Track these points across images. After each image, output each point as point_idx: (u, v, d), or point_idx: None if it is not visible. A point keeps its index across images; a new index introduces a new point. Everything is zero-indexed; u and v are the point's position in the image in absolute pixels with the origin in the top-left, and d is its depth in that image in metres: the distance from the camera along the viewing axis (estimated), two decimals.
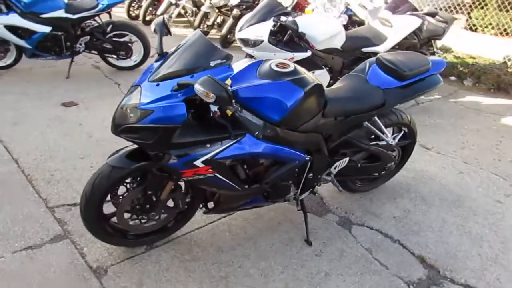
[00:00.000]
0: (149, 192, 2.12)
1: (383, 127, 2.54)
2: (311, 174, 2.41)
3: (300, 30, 3.63)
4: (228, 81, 1.95)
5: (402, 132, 2.73)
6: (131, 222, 2.21)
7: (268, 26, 3.58)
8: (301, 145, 2.23)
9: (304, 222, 2.55)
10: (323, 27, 3.83)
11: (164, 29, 2.07)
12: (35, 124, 3.69)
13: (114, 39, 4.91)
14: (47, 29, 4.51)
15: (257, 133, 1.79)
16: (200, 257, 2.34)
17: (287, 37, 3.65)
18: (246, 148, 1.97)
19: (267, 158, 2.14)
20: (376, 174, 2.84)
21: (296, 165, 2.23)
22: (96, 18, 4.80)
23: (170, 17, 7.24)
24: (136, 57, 5.15)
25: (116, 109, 1.92)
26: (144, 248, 2.36)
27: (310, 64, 3.78)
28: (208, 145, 1.90)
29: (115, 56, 5.00)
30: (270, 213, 2.73)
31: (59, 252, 2.28)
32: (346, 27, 4.57)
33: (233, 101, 1.76)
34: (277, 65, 2.10)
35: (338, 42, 3.88)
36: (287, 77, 2.04)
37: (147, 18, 7.46)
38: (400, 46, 4.34)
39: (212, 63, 1.83)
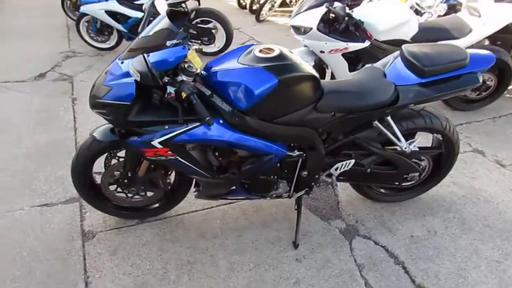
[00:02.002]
0: (127, 167, 2.20)
1: (396, 129, 2.18)
2: (305, 172, 2.22)
3: (358, 18, 3.32)
4: (199, 63, 1.91)
5: (418, 139, 2.30)
6: (117, 194, 2.34)
7: (319, 12, 3.33)
8: (284, 139, 2.06)
9: (296, 223, 2.36)
10: (387, 15, 3.41)
11: (152, 10, 2.11)
12: None
13: (199, 25, 5.17)
14: (139, 14, 4.96)
15: (207, 118, 1.72)
16: (180, 239, 2.35)
17: (343, 26, 3.36)
18: (206, 134, 1.90)
19: (235, 147, 2.03)
20: (397, 183, 2.46)
21: (273, 160, 2.06)
22: (184, 5, 5.09)
23: (273, 6, 7.29)
24: (219, 43, 5.33)
25: (93, 85, 2.03)
26: (135, 222, 2.47)
27: (368, 56, 3.44)
28: (167, 127, 1.89)
29: (199, 42, 5.26)
30: (271, 208, 2.59)
31: (65, 213, 2.53)
32: None
33: (191, 84, 1.76)
34: (260, 50, 1.97)
35: (406, 33, 3.42)
36: (263, 63, 1.89)
37: (254, 7, 7.64)
38: (495, 41, 3.65)
39: (168, 43, 1.80)
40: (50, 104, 3.99)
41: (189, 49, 1.84)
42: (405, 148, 2.20)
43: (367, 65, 2.37)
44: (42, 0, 8.45)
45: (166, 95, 1.80)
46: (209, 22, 5.20)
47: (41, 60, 5.15)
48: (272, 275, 2.13)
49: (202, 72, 1.98)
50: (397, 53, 2.26)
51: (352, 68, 3.54)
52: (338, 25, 3.40)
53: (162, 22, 1.86)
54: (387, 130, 2.19)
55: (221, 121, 1.91)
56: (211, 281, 2.09)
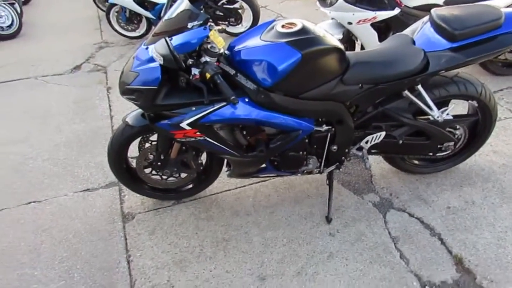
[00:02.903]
0: (159, 150, 2.27)
1: (427, 98, 2.11)
2: (335, 147, 2.21)
3: None
4: (221, 43, 1.91)
5: (451, 106, 2.21)
6: (152, 177, 2.42)
7: None
8: (311, 114, 2.05)
9: (328, 197, 2.36)
10: None
11: None
12: None
13: (225, 6, 5.15)
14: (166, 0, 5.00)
15: (232, 98, 1.74)
16: (214, 217, 2.41)
17: None
18: (232, 114, 1.91)
19: (262, 125, 2.04)
20: (431, 154, 2.39)
21: (301, 135, 2.06)
22: None
23: None
24: (247, 23, 5.30)
25: (121, 71, 2.09)
26: (171, 203, 2.55)
27: (399, 24, 3.31)
28: (194, 108, 1.92)
29: (226, 23, 5.25)
30: (304, 185, 2.60)
31: (106, 197, 2.65)
32: None
33: (214, 64, 1.77)
34: (283, 26, 1.95)
35: None
36: (286, 38, 1.88)
37: None
38: None
39: (190, 25, 1.82)
40: (86, 94, 4.13)
41: (210, 30, 1.85)
42: (438, 117, 2.13)
43: (395, 34, 2.29)
44: None
45: (191, 77, 1.83)
46: (235, 2, 5.17)
47: (76, 52, 5.32)
48: (305, 249, 2.15)
49: (226, 52, 1.99)
50: (426, 18, 2.18)
51: (382, 38, 3.43)
52: None
53: (182, 5, 1.88)
54: (417, 100, 2.13)
55: (246, 100, 1.92)
56: (246, 257, 2.14)
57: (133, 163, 2.43)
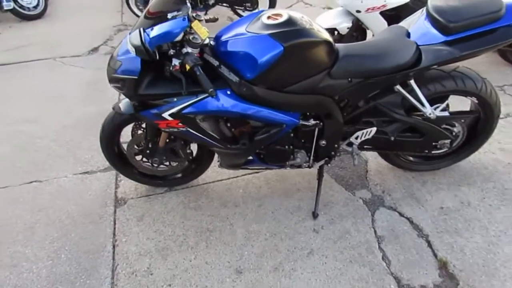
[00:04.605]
0: (148, 138, 2.28)
1: (419, 93, 2.01)
2: (323, 142, 2.16)
3: None
4: (204, 33, 1.88)
5: (445, 103, 2.10)
6: (143, 164, 2.45)
7: None
8: (296, 108, 2.00)
9: (316, 192, 2.32)
10: None
11: None
12: None
13: None
14: None
15: (210, 90, 1.72)
16: (203, 207, 2.42)
17: None
18: (213, 106, 1.90)
19: (244, 118, 2.01)
20: (426, 151, 2.29)
21: (285, 129, 2.02)
22: None
23: None
24: (263, 8, 5.20)
25: (110, 56, 2.09)
26: (164, 190, 2.58)
27: (410, 12, 3.18)
28: (175, 99, 1.91)
29: (242, 8, 5.18)
30: (295, 178, 2.57)
31: (102, 180, 2.71)
32: None
33: (193, 55, 1.75)
34: (268, 17, 1.90)
35: None
36: (270, 30, 1.82)
37: None
38: None
39: (170, 15, 1.79)
40: (99, 77, 4.19)
41: (192, 21, 1.83)
42: (430, 114, 2.04)
43: (391, 26, 2.19)
44: None
45: (171, 68, 1.82)
46: None
47: (95, 34, 5.40)
48: (286, 244, 2.14)
49: (212, 42, 1.96)
50: (424, 9, 2.07)
51: None
52: None
53: None
54: (409, 95, 2.04)
55: (228, 92, 1.90)
56: (226, 249, 2.14)
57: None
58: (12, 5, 5.87)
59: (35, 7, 6.17)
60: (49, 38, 5.38)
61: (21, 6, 6.04)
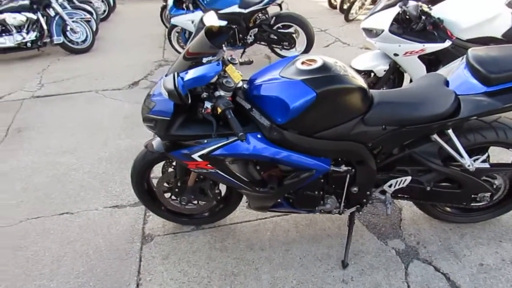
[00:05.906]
0: (177, 177, 2.29)
1: (458, 144, 1.92)
2: (355, 188, 2.09)
3: (436, 16, 3.02)
4: (238, 77, 1.90)
5: (485, 155, 1.99)
6: (172, 202, 2.45)
7: (391, 13, 3.09)
8: (327, 153, 1.96)
9: (346, 240, 2.23)
10: (471, 10, 3.03)
11: (201, 25, 2.15)
12: None
13: (280, 30, 5.17)
14: (223, 23, 5.12)
15: (240, 134, 1.71)
16: (228, 248, 2.37)
17: (420, 25, 3.07)
18: (243, 149, 1.89)
19: (273, 162, 1.98)
20: (464, 203, 2.17)
21: (315, 175, 1.97)
22: (264, 11, 5.15)
23: (363, 4, 7.00)
24: (300, 47, 5.27)
25: (146, 95, 2.14)
26: (191, 228, 2.56)
27: (450, 57, 3.07)
28: (205, 141, 1.92)
29: (280, 46, 5.27)
30: (325, 223, 2.49)
31: (131, 215, 2.73)
32: None
33: (223, 99, 1.75)
34: (302, 62, 1.90)
35: (496, 29, 3.00)
36: (303, 76, 1.82)
37: (344, 6, 7.40)
38: None
39: (204, 60, 1.82)
40: (137, 110, 4.28)
41: (226, 65, 1.85)
42: (469, 165, 1.94)
43: (428, 73, 2.13)
44: (148, 11, 9.21)
45: (203, 110, 1.83)
46: (290, 26, 5.17)
47: (137, 69, 5.63)
48: None
49: (245, 85, 1.97)
50: (463, 57, 2.01)
51: (431, 71, 3.21)
52: (415, 25, 3.13)
53: (200, 39, 1.89)
54: (447, 145, 1.95)
55: (259, 136, 1.89)
56: None
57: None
58: (62, 39, 6.25)
59: (84, 41, 6.53)
60: (93, 71, 5.65)
61: (71, 41, 6.41)
